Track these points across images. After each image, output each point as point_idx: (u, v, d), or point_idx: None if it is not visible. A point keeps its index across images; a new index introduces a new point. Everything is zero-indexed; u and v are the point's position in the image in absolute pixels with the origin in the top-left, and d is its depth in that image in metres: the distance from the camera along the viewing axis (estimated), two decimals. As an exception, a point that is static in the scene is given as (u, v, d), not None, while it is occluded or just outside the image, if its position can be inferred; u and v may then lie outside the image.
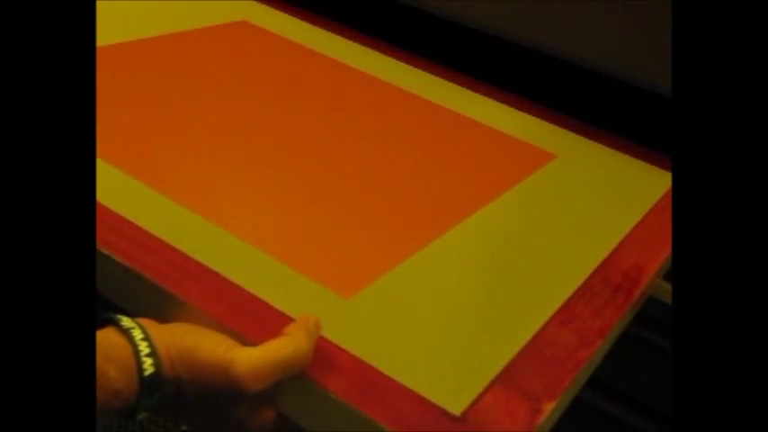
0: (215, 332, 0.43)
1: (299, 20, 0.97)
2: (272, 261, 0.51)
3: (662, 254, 0.62)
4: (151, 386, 0.40)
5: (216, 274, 0.49)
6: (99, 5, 0.64)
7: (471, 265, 0.56)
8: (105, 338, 0.40)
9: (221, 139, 0.65)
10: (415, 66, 0.90)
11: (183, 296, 0.46)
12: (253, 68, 0.81)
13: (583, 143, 0.79)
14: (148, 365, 0.40)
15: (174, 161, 0.61)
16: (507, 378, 0.45)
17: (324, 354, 0.44)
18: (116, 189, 0.55)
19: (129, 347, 0.40)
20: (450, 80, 0.88)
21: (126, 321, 0.42)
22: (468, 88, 0.87)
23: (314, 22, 0.96)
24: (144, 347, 0.40)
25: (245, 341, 0.43)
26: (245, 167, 0.62)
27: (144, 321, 0.42)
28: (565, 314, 0.52)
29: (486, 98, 0.85)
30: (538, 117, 0.83)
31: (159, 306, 0.47)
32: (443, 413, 0.42)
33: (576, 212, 0.65)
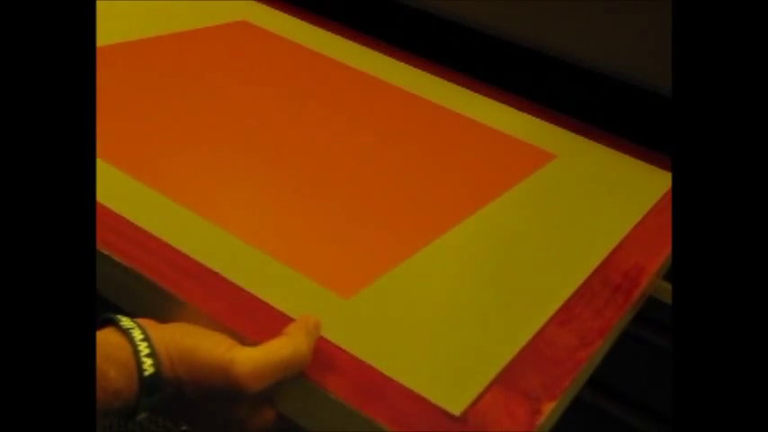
0: (215, 332, 0.43)
1: (299, 20, 0.97)
2: (272, 261, 0.51)
3: (662, 254, 0.62)
4: (151, 386, 0.40)
5: (215, 274, 0.49)
6: (99, 5, 0.64)
7: (471, 265, 0.56)
8: (105, 339, 0.40)
9: (221, 138, 0.65)
10: (415, 66, 0.90)
11: (183, 296, 0.46)
12: (253, 68, 0.81)
13: (583, 143, 0.79)
14: (148, 366, 0.40)
15: (174, 161, 0.61)
16: (507, 378, 0.45)
17: (324, 354, 0.44)
18: (116, 189, 0.55)
19: (129, 348, 0.40)
20: (450, 80, 0.88)
21: (126, 321, 0.42)
22: (468, 88, 0.87)
23: (314, 22, 0.96)
24: (144, 348, 0.40)
25: (244, 341, 0.43)
26: (244, 167, 0.62)
27: (144, 321, 0.42)
28: (565, 314, 0.52)
29: (486, 98, 0.85)
30: (538, 117, 0.83)
31: (159, 306, 0.47)
32: (443, 413, 0.42)
33: (575, 212, 0.65)
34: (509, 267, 0.56)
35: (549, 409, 0.44)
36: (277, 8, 0.99)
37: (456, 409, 0.42)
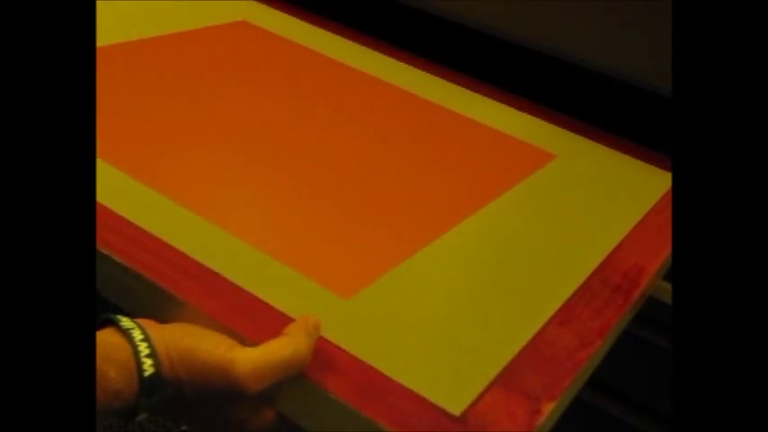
0: (215, 332, 0.43)
1: (299, 20, 0.97)
2: (272, 261, 0.51)
3: (662, 254, 0.62)
4: (151, 387, 0.40)
5: (215, 274, 0.49)
6: (99, 5, 0.64)
7: (471, 265, 0.56)
8: (105, 339, 0.40)
9: (221, 138, 0.65)
10: (415, 66, 0.90)
11: (183, 296, 0.46)
12: (253, 68, 0.81)
13: (583, 143, 0.79)
14: (148, 366, 0.40)
15: (174, 161, 0.61)
16: (507, 378, 0.45)
17: (324, 354, 0.44)
18: (115, 189, 0.55)
19: (129, 348, 0.40)
20: (450, 80, 0.88)
21: (125, 322, 0.42)
22: (468, 88, 0.87)
23: (314, 22, 0.96)
24: (144, 348, 0.40)
25: (244, 341, 0.43)
26: (244, 167, 0.62)
27: (143, 322, 0.42)
28: (564, 314, 0.52)
29: (486, 98, 0.85)
30: (538, 117, 0.83)
31: (159, 306, 0.47)
32: (443, 413, 0.42)
33: (575, 213, 0.65)
34: (509, 267, 0.56)
35: (549, 410, 0.44)
36: (277, 8, 0.99)
37: (456, 409, 0.42)
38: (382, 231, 0.57)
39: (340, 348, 0.45)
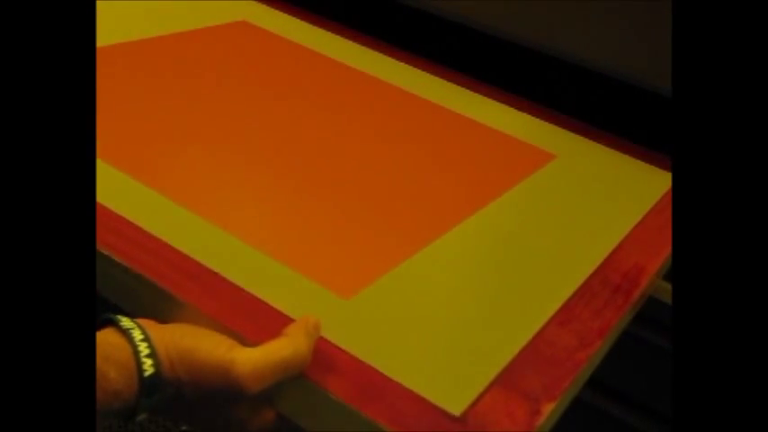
0: (215, 333, 0.43)
1: (299, 20, 0.97)
2: (272, 261, 0.51)
3: (662, 254, 0.62)
4: (151, 387, 0.40)
5: (215, 275, 0.49)
6: (99, 5, 0.64)
7: (471, 265, 0.56)
8: (105, 339, 0.40)
9: (221, 139, 0.65)
10: (415, 66, 0.90)
11: (183, 296, 0.46)
12: (253, 68, 0.81)
13: (583, 143, 0.79)
14: (148, 366, 0.40)
15: (174, 161, 0.61)
16: (507, 379, 0.45)
17: (324, 354, 0.44)
18: (115, 189, 0.55)
19: (129, 348, 0.40)
20: (450, 80, 0.88)
21: (125, 322, 0.42)
22: (468, 88, 0.87)
23: (314, 22, 0.96)
24: (144, 348, 0.40)
25: (244, 341, 0.43)
26: (244, 168, 0.62)
27: (143, 322, 0.42)
28: (564, 315, 0.52)
29: (486, 98, 0.85)
30: (538, 117, 0.83)
31: (158, 306, 0.47)
32: (443, 414, 0.42)
33: (575, 213, 0.65)
34: (509, 268, 0.56)
35: (549, 410, 0.44)
36: (277, 8, 0.99)
37: (456, 409, 0.42)
38: (382, 231, 0.57)
39: (340, 348, 0.45)
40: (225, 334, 0.43)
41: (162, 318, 0.44)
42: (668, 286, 0.64)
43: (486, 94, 0.86)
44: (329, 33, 0.94)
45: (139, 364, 0.40)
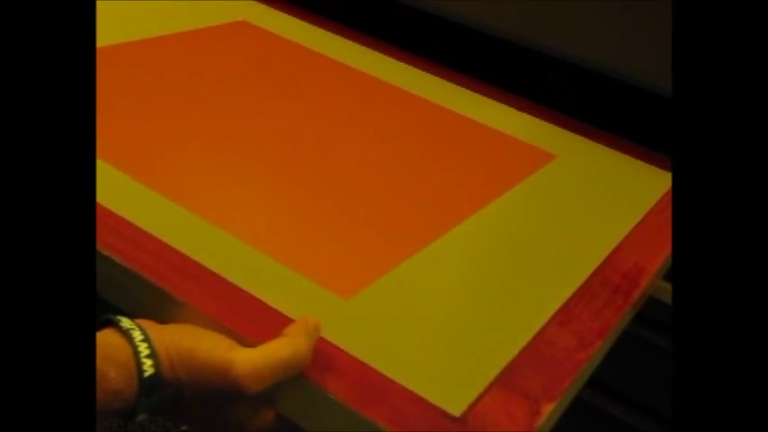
0: (214, 333, 0.43)
1: (299, 20, 0.96)
2: (272, 261, 0.51)
3: (661, 254, 0.62)
4: (151, 387, 0.40)
5: (215, 275, 0.49)
6: (99, 5, 0.64)
7: (471, 266, 0.56)
8: (105, 340, 0.40)
9: (221, 139, 0.65)
10: (415, 66, 0.90)
11: (182, 297, 0.46)
12: (253, 68, 0.81)
13: (583, 143, 0.79)
14: (148, 366, 0.40)
15: (174, 161, 0.61)
16: (507, 379, 0.45)
17: (323, 355, 0.44)
18: (115, 189, 0.55)
19: (129, 348, 0.40)
20: (450, 80, 0.88)
21: (125, 322, 0.42)
22: (468, 88, 0.87)
23: (314, 22, 0.96)
24: (144, 348, 0.40)
25: (243, 342, 0.43)
26: (244, 168, 0.62)
27: (143, 322, 0.42)
28: (564, 315, 0.52)
29: (486, 98, 0.85)
30: (538, 117, 0.83)
31: (158, 307, 0.47)
32: (443, 414, 0.42)
33: (575, 213, 0.65)
34: (509, 268, 0.56)
35: (549, 410, 0.44)
36: (277, 8, 0.99)
37: (456, 410, 0.42)
38: (382, 232, 0.57)
39: (340, 349, 0.45)
40: (224, 334, 0.43)
41: (161, 318, 0.44)
42: (668, 286, 0.64)
43: (486, 94, 0.86)
44: (329, 33, 0.94)
45: (139, 365, 0.40)
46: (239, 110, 0.71)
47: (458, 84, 0.87)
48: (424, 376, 0.44)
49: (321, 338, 0.45)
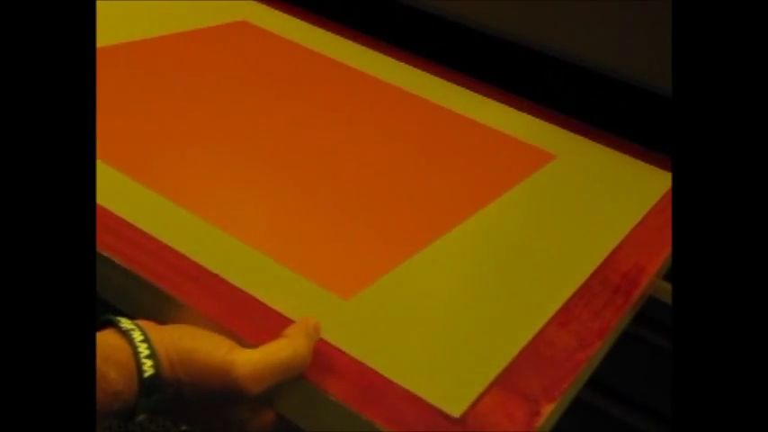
0: (214, 334, 0.43)
1: (299, 20, 0.96)
2: (271, 262, 0.51)
3: (661, 255, 0.62)
4: (150, 388, 0.40)
5: (214, 276, 0.49)
6: (99, 5, 0.64)
7: (470, 266, 0.56)
8: (105, 340, 0.40)
9: (221, 139, 0.65)
10: (415, 66, 0.90)
11: (182, 298, 0.46)
12: (253, 68, 0.81)
13: (583, 143, 0.79)
14: (148, 367, 0.40)
15: (173, 162, 0.61)
16: (506, 380, 0.45)
17: (323, 356, 0.44)
18: (114, 190, 0.55)
19: (129, 349, 0.40)
20: (450, 80, 0.88)
21: (125, 323, 0.42)
22: (468, 88, 0.87)
23: (314, 22, 0.96)
24: (144, 349, 0.40)
25: (243, 343, 0.43)
26: (244, 168, 0.62)
27: (143, 323, 0.42)
28: (564, 315, 0.52)
29: (485, 98, 0.85)
30: (538, 117, 0.83)
31: (158, 308, 0.47)
32: (442, 415, 0.42)
33: (575, 213, 0.65)
34: (509, 268, 0.56)
35: (549, 411, 0.44)
36: (277, 8, 0.99)
37: (455, 410, 0.42)
38: (382, 232, 0.57)
39: (339, 350, 0.45)
40: (224, 335, 0.43)
41: (161, 319, 0.44)
42: (668, 286, 0.64)
43: (486, 94, 0.86)
44: (329, 33, 0.94)
45: (139, 365, 0.40)
46: (239, 110, 0.71)
47: (458, 84, 0.87)
48: (423, 377, 0.44)
49: (321, 339, 0.45)
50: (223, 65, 0.80)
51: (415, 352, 0.46)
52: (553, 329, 0.51)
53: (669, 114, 0.77)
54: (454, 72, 0.90)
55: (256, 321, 0.46)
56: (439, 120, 0.78)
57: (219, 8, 0.94)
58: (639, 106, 0.81)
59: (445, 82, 0.87)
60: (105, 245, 0.49)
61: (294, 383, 0.43)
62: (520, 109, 0.84)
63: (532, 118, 0.83)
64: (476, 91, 0.86)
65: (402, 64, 0.90)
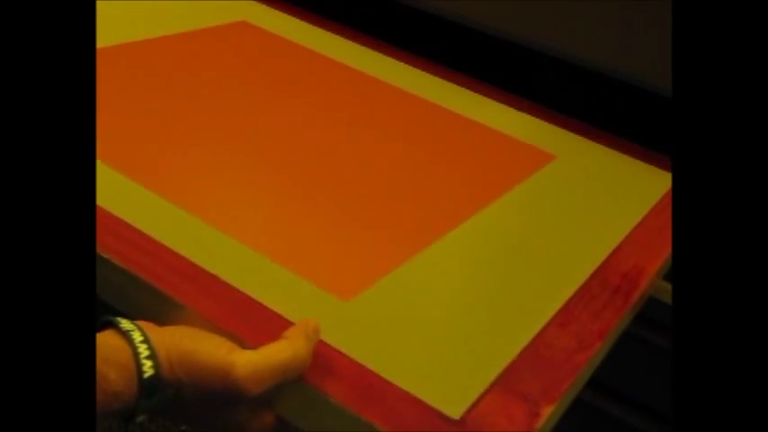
0: (214, 335, 0.43)
1: (299, 20, 0.96)
2: (271, 263, 0.51)
3: (661, 255, 0.62)
4: (150, 388, 0.40)
5: (213, 277, 0.49)
6: (99, 6, 0.64)
7: (470, 267, 0.56)
8: (105, 341, 0.40)
9: (220, 140, 0.65)
10: (415, 66, 0.90)
11: (181, 299, 0.46)
12: (253, 69, 0.80)
13: (583, 143, 0.79)
14: (148, 368, 0.40)
15: (173, 163, 0.60)
16: (506, 381, 0.45)
17: (323, 357, 0.44)
18: (114, 191, 0.55)
19: (129, 350, 0.40)
20: (450, 80, 0.88)
21: (125, 324, 0.42)
22: (468, 88, 0.87)
23: (314, 22, 0.96)
24: (143, 350, 0.40)
25: (243, 344, 0.43)
26: (243, 169, 0.62)
27: (143, 324, 0.42)
28: (564, 317, 0.52)
29: (485, 98, 0.85)
30: (538, 117, 0.83)
31: (157, 309, 0.47)
32: (442, 417, 0.42)
33: (575, 214, 0.65)
34: (508, 269, 0.56)
35: (548, 413, 0.44)
36: (277, 8, 0.99)
37: (455, 412, 0.42)
38: (381, 233, 0.57)
39: (339, 352, 0.45)
40: (223, 336, 0.43)
41: (160, 320, 0.44)
42: (668, 286, 0.64)
43: (485, 94, 0.86)
44: (329, 33, 0.94)
45: (139, 366, 0.40)
46: (239, 110, 0.71)
47: (458, 84, 0.87)
48: (423, 378, 0.44)
49: (320, 341, 0.45)
50: (223, 65, 0.80)
51: (415, 353, 0.46)
52: (553, 331, 0.51)
53: (669, 114, 0.77)
54: (454, 72, 0.90)
55: (255, 323, 0.46)
56: (439, 120, 0.78)
57: (219, 8, 0.94)
58: (639, 106, 0.81)
59: (445, 82, 0.87)
60: (104, 245, 0.49)
61: (294, 385, 0.43)
62: (520, 109, 0.84)
63: (532, 118, 0.83)
64: (476, 91, 0.86)
65: (402, 64, 0.90)
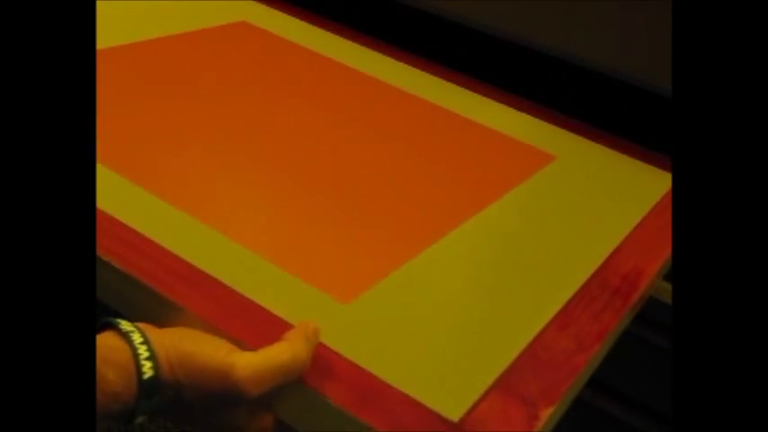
0: (214, 337, 0.43)
1: (299, 20, 0.96)
2: (270, 265, 0.51)
3: (661, 256, 0.62)
4: (150, 389, 0.40)
5: (213, 279, 0.48)
6: (99, 7, 0.64)
7: (470, 268, 0.56)
8: (104, 342, 0.40)
9: (220, 141, 0.65)
10: (415, 66, 0.90)
11: (180, 301, 0.46)
12: (253, 69, 0.80)
13: (583, 144, 0.79)
14: (148, 369, 0.40)
15: (173, 164, 0.60)
16: (505, 383, 0.45)
17: (322, 360, 0.44)
18: (113, 193, 0.55)
19: (129, 351, 0.40)
20: (450, 80, 0.88)
21: (125, 325, 0.42)
22: (468, 88, 0.87)
23: (314, 23, 0.96)
24: (143, 351, 0.40)
25: (242, 346, 0.43)
26: (243, 170, 0.62)
27: (143, 325, 0.42)
28: (563, 318, 0.52)
29: (485, 98, 0.85)
30: (537, 117, 0.83)
31: (156, 311, 0.47)
32: (441, 419, 0.42)
33: (575, 214, 0.65)
34: (508, 271, 0.56)
35: (547, 415, 0.43)
36: (277, 8, 0.99)
37: (454, 415, 0.42)
38: (381, 235, 0.57)
39: (338, 354, 0.45)
40: (223, 338, 0.43)
41: (159, 322, 0.44)
42: (668, 286, 0.64)
43: (485, 95, 0.86)
44: (329, 33, 0.94)
45: (139, 367, 0.40)
46: (239, 111, 0.70)
47: (458, 84, 0.87)
48: (422, 381, 0.44)
49: (320, 343, 0.45)
50: (223, 65, 0.80)
51: (414, 356, 0.46)
52: (552, 332, 0.50)
53: (669, 114, 0.77)
54: (454, 72, 0.90)
55: (255, 325, 0.46)
56: (439, 120, 0.78)
57: (219, 9, 0.94)
58: (639, 106, 0.81)
59: (445, 82, 0.87)
60: (103, 248, 0.49)
61: (293, 387, 0.43)
62: (519, 109, 0.84)
63: (532, 118, 0.83)
64: (475, 91, 0.86)
65: (402, 64, 0.90)
